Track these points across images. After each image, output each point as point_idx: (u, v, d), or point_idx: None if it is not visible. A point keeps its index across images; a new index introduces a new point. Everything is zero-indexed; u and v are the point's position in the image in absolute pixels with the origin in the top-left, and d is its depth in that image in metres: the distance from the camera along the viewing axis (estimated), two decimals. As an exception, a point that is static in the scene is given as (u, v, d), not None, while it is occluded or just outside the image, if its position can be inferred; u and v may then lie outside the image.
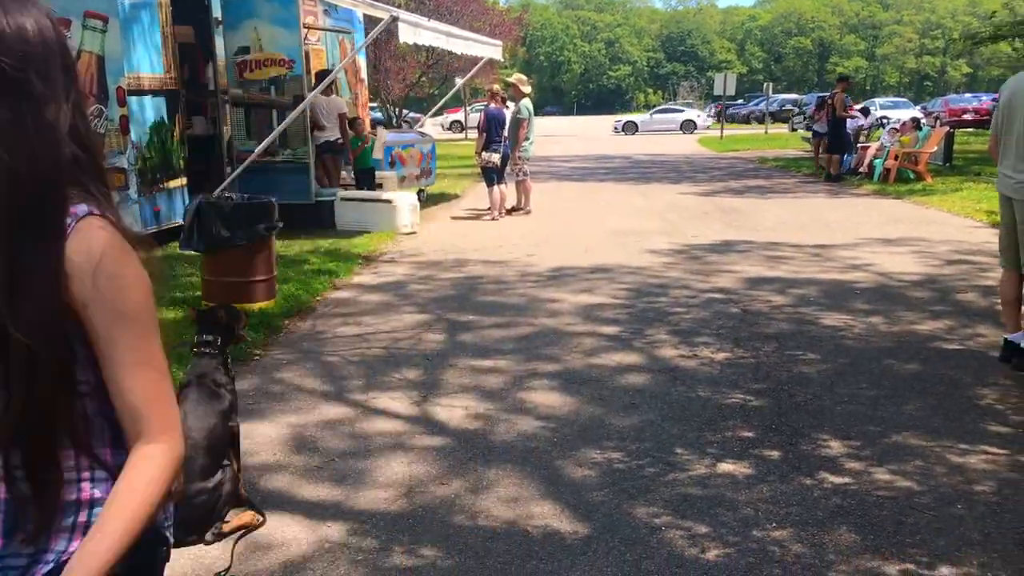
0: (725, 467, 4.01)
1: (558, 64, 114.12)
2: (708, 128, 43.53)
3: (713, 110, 56.32)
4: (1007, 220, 5.38)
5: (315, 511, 3.67)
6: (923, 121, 21.94)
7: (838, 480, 3.85)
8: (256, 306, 6.71)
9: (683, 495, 3.74)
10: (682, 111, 48.17)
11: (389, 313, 6.96)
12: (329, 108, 11.70)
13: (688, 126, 44.28)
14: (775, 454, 4.15)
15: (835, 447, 4.22)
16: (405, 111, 33.24)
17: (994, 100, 37.34)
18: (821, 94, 24.02)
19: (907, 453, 4.13)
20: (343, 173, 12.54)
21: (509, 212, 12.75)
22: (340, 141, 11.81)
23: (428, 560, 3.27)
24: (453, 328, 6.49)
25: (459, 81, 20.86)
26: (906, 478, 3.86)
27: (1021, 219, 5.19)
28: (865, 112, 21.78)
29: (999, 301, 5.77)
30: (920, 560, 3.17)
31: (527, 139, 12.60)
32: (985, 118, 35.12)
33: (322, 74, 11.54)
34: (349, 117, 12.25)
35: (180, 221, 9.96)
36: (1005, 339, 5.42)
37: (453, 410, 4.79)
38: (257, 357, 5.81)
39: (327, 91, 11.68)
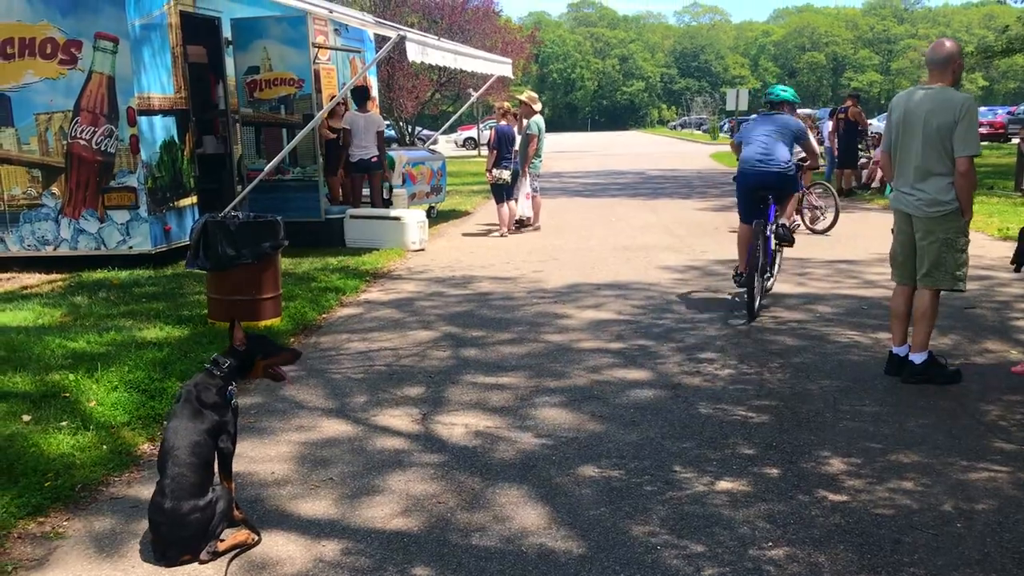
0: (724, 485, 3.99)
1: (571, 81, 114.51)
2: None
3: (727, 125, 56.40)
4: (903, 236, 5.45)
5: (311, 529, 3.67)
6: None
7: (837, 498, 3.82)
8: (262, 324, 6.73)
9: (680, 513, 3.72)
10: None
11: (396, 330, 6.98)
12: (367, 125, 11.73)
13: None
14: (775, 471, 4.12)
15: (835, 464, 4.19)
16: (418, 128, 33.42)
17: (1010, 113, 37.03)
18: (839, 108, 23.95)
19: (908, 470, 4.10)
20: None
21: (518, 228, 12.77)
22: (374, 159, 11.80)
23: (422, 579, 3.26)
24: (459, 344, 6.49)
25: (472, 98, 20.91)
26: (906, 496, 3.83)
27: (921, 235, 5.30)
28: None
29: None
30: (917, 579, 3.14)
31: (537, 156, 12.63)
32: (1000, 131, 34.99)
33: (357, 92, 11.59)
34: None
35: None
36: (891, 352, 5.54)
37: (454, 428, 4.79)
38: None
39: (364, 108, 11.76)
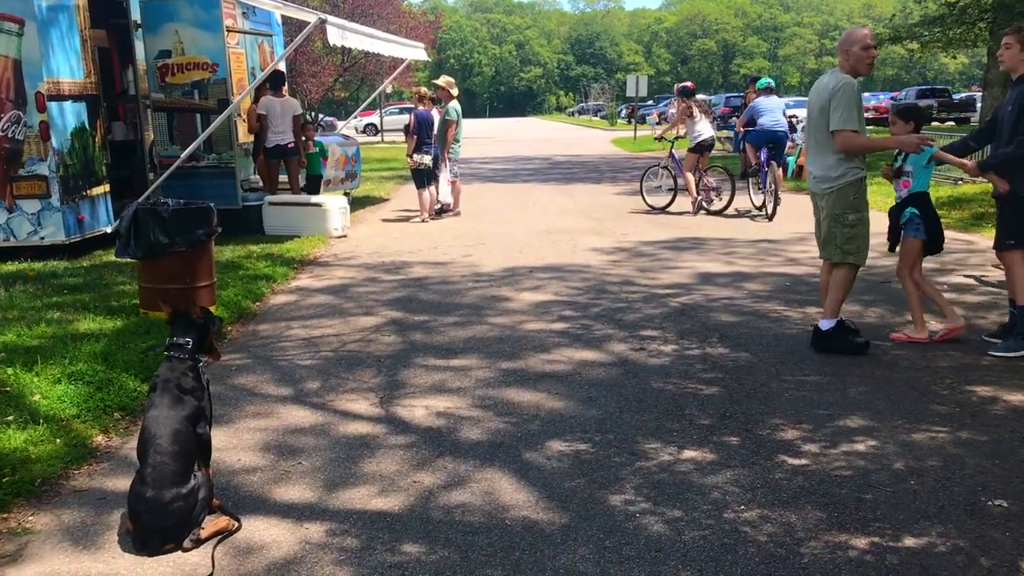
0: (689, 454, 4.14)
1: (469, 67, 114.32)
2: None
3: (624, 111, 57.30)
4: (815, 212, 5.89)
5: (291, 513, 3.66)
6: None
7: (797, 462, 4.02)
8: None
9: (652, 481, 3.86)
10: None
11: (336, 316, 6.93)
12: (283, 110, 11.47)
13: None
14: (734, 440, 4.30)
15: (789, 431, 4.39)
16: (320, 115, 32.88)
17: (892, 99, 38.78)
18: (734, 95, 24.78)
19: (857, 434, 4.33)
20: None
21: (438, 214, 12.77)
22: (291, 144, 11.56)
23: (412, 556, 3.30)
24: (404, 329, 6.50)
25: (389, 83, 20.72)
26: (860, 458, 4.05)
27: (817, 211, 5.79)
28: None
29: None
30: (885, 533, 3.35)
31: (456, 141, 12.64)
32: (884, 115, 36.56)
33: (275, 77, 11.36)
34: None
35: (105, 229, 9.74)
36: (816, 327, 5.80)
37: (415, 410, 4.82)
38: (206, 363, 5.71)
39: (279, 92, 11.49)
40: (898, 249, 5.99)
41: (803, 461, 4.03)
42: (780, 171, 12.50)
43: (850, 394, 4.91)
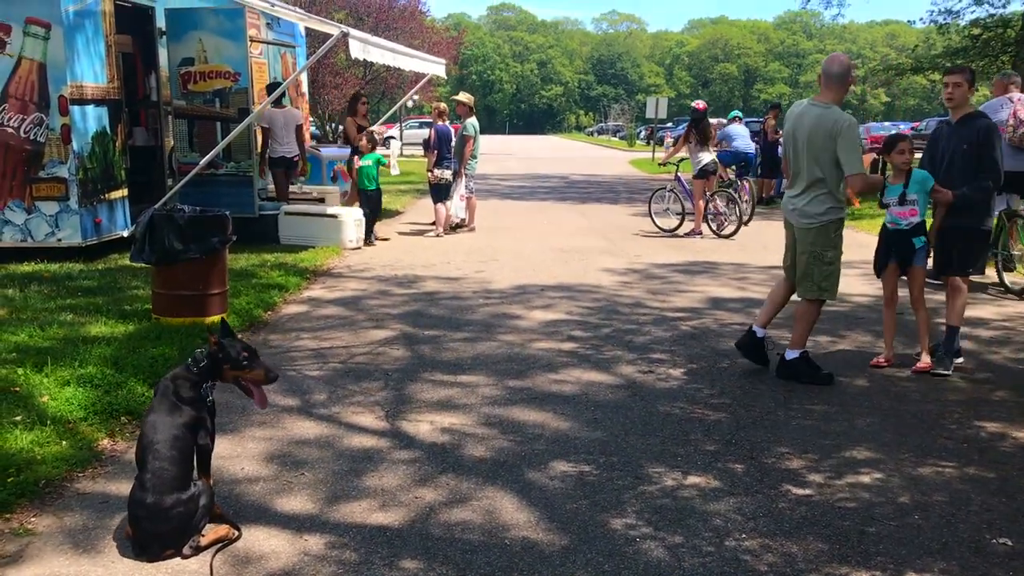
0: (693, 479, 4.12)
1: (490, 83, 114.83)
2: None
3: (644, 132, 57.35)
4: (788, 240, 5.86)
5: (291, 524, 3.67)
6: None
7: (801, 492, 4.00)
8: (208, 319, 6.63)
9: (655, 506, 3.84)
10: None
11: (346, 328, 6.95)
12: (286, 121, 11.57)
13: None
14: (739, 467, 4.27)
15: (794, 460, 4.36)
16: (341, 127, 33.05)
17: (913, 128, 38.75)
18: (754, 119, 24.98)
19: (863, 465, 4.30)
20: (292, 187, 12.36)
21: (453, 229, 12.80)
22: (295, 157, 11.63)
23: (410, 572, 3.29)
24: (414, 343, 6.51)
25: (410, 96, 20.84)
26: (864, 490, 4.02)
27: (793, 243, 5.74)
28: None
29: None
30: (887, 568, 3.32)
31: (473, 157, 12.68)
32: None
33: (271, 87, 11.45)
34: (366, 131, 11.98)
35: (121, 233, 9.81)
36: (750, 327, 5.96)
37: (420, 425, 4.82)
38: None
39: (279, 104, 11.58)
40: (885, 276, 6.07)
41: (807, 491, 4.00)
42: (748, 184, 14.39)
43: (857, 425, 4.88)
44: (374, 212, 11.67)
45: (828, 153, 5.34)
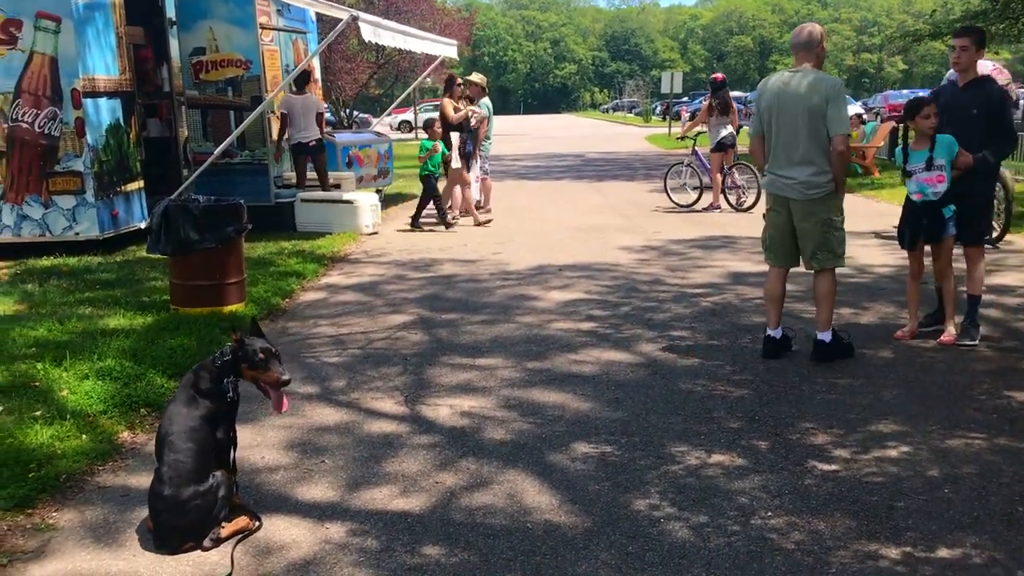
0: (716, 458, 4.07)
1: (503, 64, 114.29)
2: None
3: (659, 108, 56.94)
4: (779, 219, 5.52)
5: (312, 512, 3.65)
6: (865, 117, 22.40)
7: (827, 468, 3.93)
8: (227, 309, 6.62)
9: (678, 486, 3.79)
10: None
11: (364, 314, 6.92)
12: (305, 108, 11.50)
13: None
14: (763, 444, 4.21)
15: (819, 436, 4.30)
16: (355, 112, 33.02)
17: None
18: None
19: (889, 439, 4.23)
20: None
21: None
22: (313, 142, 11.56)
23: (432, 559, 3.26)
24: (431, 327, 6.48)
25: (423, 79, 20.73)
26: (892, 464, 3.95)
27: (800, 218, 5.38)
28: None
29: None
30: (917, 543, 3.25)
31: (487, 137, 12.60)
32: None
33: (299, 75, 11.39)
34: (428, 119, 11.81)
35: (138, 224, 9.82)
36: (766, 335, 5.62)
37: (440, 409, 4.79)
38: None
39: (301, 90, 11.53)
40: (915, 247, 5.86)
41: (833, 467, 3.94)
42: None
43: (883, 397, 4.80)
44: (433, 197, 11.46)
45: (823, 116, 5.18)
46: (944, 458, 4.00)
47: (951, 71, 6.18)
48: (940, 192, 5.60)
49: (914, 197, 5.74)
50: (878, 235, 10.00)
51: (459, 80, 12.41)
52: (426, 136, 11.35)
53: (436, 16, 30.87)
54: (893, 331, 6.01)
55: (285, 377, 3.63)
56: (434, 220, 11.36)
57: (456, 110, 11.75)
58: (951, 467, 3.90)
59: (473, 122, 11.69)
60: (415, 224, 11.31)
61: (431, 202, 11.29)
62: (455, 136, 11.58)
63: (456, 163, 11.64)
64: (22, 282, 7.86)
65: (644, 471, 3.95)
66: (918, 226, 5.75)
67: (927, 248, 5.86)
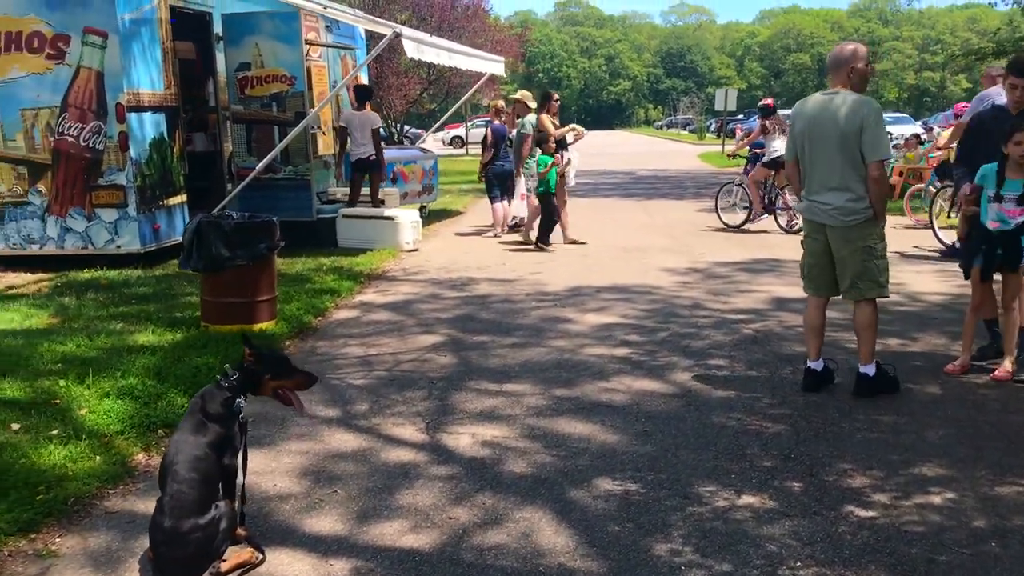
0: (746, 499, 3.85)
1: (558, 80, 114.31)
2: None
3: (714, 125, 56.42)
4: (817, 247, 5.26)
5: (319, 546, 3.51)
6: (923, 137, 21.80)
7: (864, 514, 3.69)
8: (257, 327, 6.55)
9: (703, 530, 3.58)
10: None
11: (395, 334, 6.81)
12: (362, 124, 11.46)
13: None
14: (796, 485, 3.98)
15: (857, 478, 4.05)
16: (406, 127, 33.17)
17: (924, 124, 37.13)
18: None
19: (933, 484, 3.97)
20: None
21: (512, 229, 12.61)
22: (371, 157, 11.49)
23: (437, 601, 3.11)
24: (461, 349, 6.33)
25: (470, 96, 20.71)
26: (935, 512, 3.70)
27: (838, 246, 5.12)
28: None
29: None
30: (957, 603, 3.01)
31: (531, 155, 12.45)
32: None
33: (360, 88, 11.35)
34: (537, 134, 11.63)
35: (179, 238, 9.84)
36: (807, 367, 5.35)
37: (460, 438, 4.63)
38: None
39: (362, 106, 11.50)
40: (990, 277, 5.56)
41: (871, 513, 3.69)
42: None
43: (928, 438, 4.53)
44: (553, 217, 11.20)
45: (859, 140, 4.92)
46: (993, 508, 3.73)
47: (987, 92, 5.88)
48: (1021, 223, 5.29)
49: (990, 226, 5.40)
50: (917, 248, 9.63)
51: (555, 96, 12.27)
52: (540, 151, 11.10)
53: (489, 32, 30.88)
54: (943, 364, 5.71)
55: (313, 376, 3.66)
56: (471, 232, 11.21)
57: (555, 126, 11.62)
58: (1000, 518, 3.63)
59: (570, 138, 11.59)
60: (543, 241, 11.04)
61: (538, 218, 11.07)
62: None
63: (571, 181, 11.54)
64: (60, 295, 7.91)
65: (668, 512, 3.75)
66: (993, 256, 5.43)
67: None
